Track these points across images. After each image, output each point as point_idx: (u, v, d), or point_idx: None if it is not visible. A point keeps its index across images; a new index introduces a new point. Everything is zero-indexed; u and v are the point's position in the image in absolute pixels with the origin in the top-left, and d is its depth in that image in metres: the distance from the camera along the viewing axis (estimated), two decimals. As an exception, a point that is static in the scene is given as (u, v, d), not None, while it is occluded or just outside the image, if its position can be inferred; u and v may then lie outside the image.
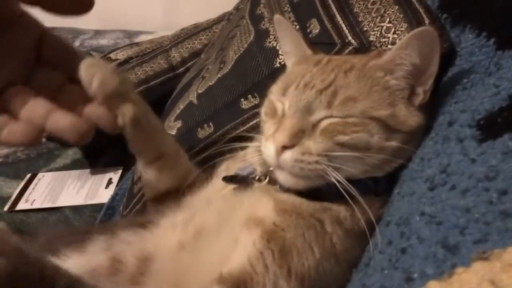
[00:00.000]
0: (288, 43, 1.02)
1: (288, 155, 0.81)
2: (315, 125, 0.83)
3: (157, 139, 1.02)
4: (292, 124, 0.82)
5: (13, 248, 0.57)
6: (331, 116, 0.82)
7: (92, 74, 0.81)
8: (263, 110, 0.97)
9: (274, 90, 0.95)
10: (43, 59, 0.84)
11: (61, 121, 0.77)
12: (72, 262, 0.88)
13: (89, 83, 0.81)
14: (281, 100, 0.89)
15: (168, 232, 0.91)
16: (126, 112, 0.89)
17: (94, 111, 0.82)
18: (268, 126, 0.89)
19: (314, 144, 0.80)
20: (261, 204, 0.87)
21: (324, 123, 0.82)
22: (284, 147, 0.81)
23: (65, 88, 0.84)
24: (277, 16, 1.01)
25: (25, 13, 0.82)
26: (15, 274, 0.54)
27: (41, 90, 0.81)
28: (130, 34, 3.08)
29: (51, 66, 0.84)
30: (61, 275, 0.61)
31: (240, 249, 0.81)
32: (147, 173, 1.08)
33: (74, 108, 0.80)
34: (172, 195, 1.04)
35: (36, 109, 0.78)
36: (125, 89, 0.88)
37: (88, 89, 0.82)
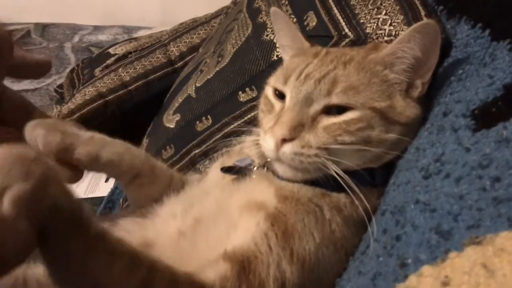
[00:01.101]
0: (284, 36, 1.02)
1: (287, 148, 0.81)
2: (314, 118, 0.83)
3: (124, 164, 0.98)
4: (292, 117, 0.82)
5: (63, 183, 0.58)
6: (330, 104, 0.82)
7: (35, 137, 0.81)
8: (261, 102, 0.97)
9: (273, 81, 0.95)
10: (1, 116, 0.84)
11: None
12: None
13: (36, 147, 0.81)
14: (282, 89, 0.89)
15: (168, 221, 0.92)
16: (80, 157, 0.87)
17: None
18: (266, 119, 0.90)
19: (314, 137, 0.81)
20: (261, 189, 0.87)
21: (326, 122, 0.82)
22: (284, 140, 0.81)
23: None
24: (273, 9, 1.01)
25: None
26: (61, 208, 0.55)
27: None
28: (129, 29, 3.09)
29: (9, 124, 0.84)
30: (95, 223, 0.62)
31: (242, 229, 0.82)
32: (130, 193, 1.08)
33: None
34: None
35: None
36: (69, 141, 0.86)
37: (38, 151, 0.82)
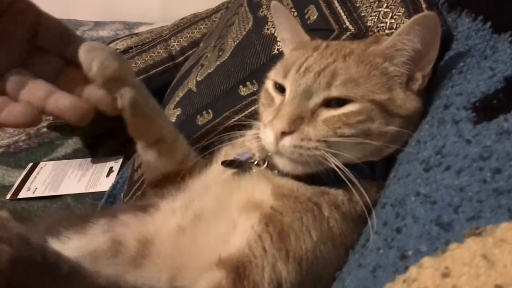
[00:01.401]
0: (285, 30, 1.02)
1: (287, 141, 0.81)
2: (314, 111, 0.83)
3: (155, 124, 1.03)
4: (291, 110, 0.82)
5: (16, 234, 0.57)
6: (329, 97, 0.82)
7: (91, 58, 0.82)
8: (261, 96, 0.97)
9: (273, 74, 0.95)
10: (41, 43, 0.85)
11: (60, 101, 0.78)
12: (73, 244, 0.89)
13: (88, 66, 0.82)
14: (282, 83, 0.89)
15: (168, 217, 0.92)
16: (125, 95, 0.90)
17: (94, 93, 0.83)
18: (266, 112, 0.90)
19: (313, 130, 0.81)
20: (259, 188, 0.88)
21: (326, 114, 0.82)
22: (283, 133, 0.81)
23: (63, 71, 0.84)
24: (274, 3, 1.00)
25: None
26: (19, 260, 0.55)
27: (40, 74, 0.81)
28: (130, 25, 3.08)
29: (49, 50, 0.85)
30: (63, 261, 0.62)
31: (238, 233, 0.82)
32: (146, 155, 1.09)
33: (73, 90, 0.81)
34: (172, 179, 1.05)
35: (35, 91, 0.78)
36: (124, 73, 0.89)
37: (88, 72, 0.82)
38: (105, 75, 0.84)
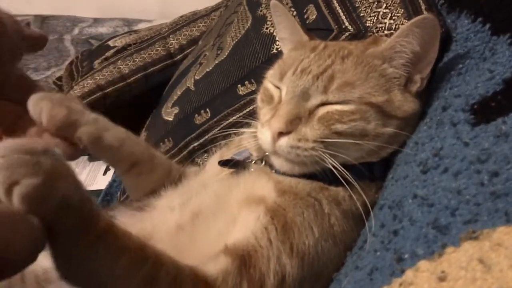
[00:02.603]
0: (284, 29, 1.02)
1: (284, 141, 0.81)
2: (311, 112, 0.83)
3: (124, 150, 1.00)
4: (288, 110, 0.82)
5: (73, 177, 0.58)
6: (327, 102, 0.82)
7: (39, 110, 0.81)
8: (259, 96, 0.97)
9: (270, 76, 0.95)
10: (3, 94, 0.83)
11: None
12: None
13: (39, 119, 0.81)
14: (277, 85, 0.89)
15: (166, 214, 0.92)
16: (82, 136, 0.88)
17: (51, 141, 0.81)
18: (264, 112, 0.90)
19: (310, 130, 0.81)
20: (260, 184, 0.87)
21: (321, 111, 0.82)
22: (280, 134, 0.81)
23: (21, 121, 0.83)
24: (273, 2, 1.00)
25: None
26: (70, 202, 0.55)
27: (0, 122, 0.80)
28: (129, 22, 3.08)
29: (10, 98, 0.83)
30: (103, 218, 0.61)
31: (242, 224, 0.82)
32: (127, 180, 1.08)
33: (33, 138, 0.80)
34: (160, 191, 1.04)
35: None
36: (74, 117, 0.87)
37: (39, 124, 0.81)
38: (56, 124, 0.82)
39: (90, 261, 0.60)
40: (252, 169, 0.93)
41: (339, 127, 0.80)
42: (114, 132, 0.97)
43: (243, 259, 0.76)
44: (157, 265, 0.67)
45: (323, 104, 0.83)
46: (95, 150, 0.93)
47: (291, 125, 0.81)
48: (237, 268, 0.75)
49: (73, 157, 0.86)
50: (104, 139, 0.94)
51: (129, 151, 1.00)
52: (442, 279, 0.49)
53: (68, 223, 0.56)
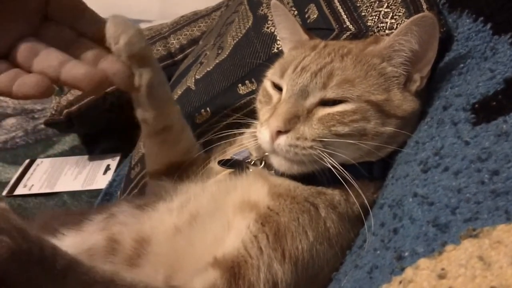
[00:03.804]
0: (284, 29, 1.02)
1: (282, 140, 0.81)
2: (310, 110, 0.83)
3: (166, 110, 1.04)
4: (287, 109, 0.82)
5: (16, 226, 0.57)
6: (325, 98, 0.82)
7: (120, 32, 0.83)
8: (259, 95, 0.97)
9: (270, 74, 0.95)
10: (52, 14, 0.83)
11: (75, 70, 0.76)
12: (69, 240, 0.89)
13: (115, 39, 0.82)
14: (278, 83, 0.89)
15: (164, 216, 0.91)
16: (144, 75, 0.92)
17: (111, 66, 0.81)
18: (263, 111, 0.90)
19: (309, 129, 0.81)
20: (255, 188, 0.87)
21: (322, 113, 0.81)
22: (279, 132, 0.81)
23: (76, 43, 0.83)
24: (273, 2, 1.00)
25: None
26: (17, 252, 0.54)
27: (52, 45, 0.80)
28: (129, 22, 3.07)
29: (60, 22, 0.83)
30: (61, 255, 0.61)
31: (234, 233, 0.82)
32: (150, 143, 1.10)
33: (87, 61, 0.80)
34: (173, 172, 1.05)
35: (48, 60, 0.77)
36: (148, 54, 0.92)
37: (113, 45, 0.82)
38: (132, 51, 0.85)
39: None
40: (250, 171, 0.93)
41: (340, 129, 0.80)
42: (168, 89, 1.05)
43: (233, 272, 0.76)
44: None
45: (322, 103, 0.82)
46: (143, 95, 0.97)
47: (290, 124, 0.81)
48: (226, 282, 0.75)
49: (127, 87, 0.88)
50: (159, 90, 0.99)
51: (169, 112, 1.05)
52: (442, 276, 0.49)
53: (22, 271, 0.56)
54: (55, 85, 0.78)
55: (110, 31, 0.84)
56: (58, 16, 0.83)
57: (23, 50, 0.78)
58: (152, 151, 1.10)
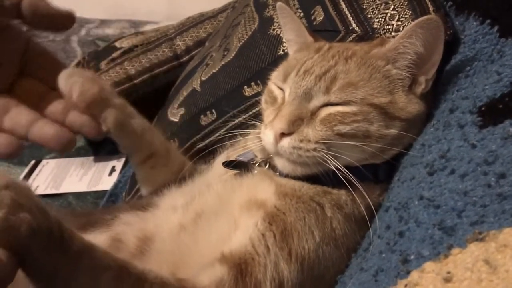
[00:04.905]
0: (289, 31, 1.02)
1: (286, 142, 0.81)
2: (314, 113, 0.83)
3: (144, 140, 1.04)
4: (291, 111, 0.82)
5: (37, 205, 0.57)
6: (329, 102, 0.82)
7: (71, 84, 0.81)
8: (263, 97, 0.97)
9: (274, 77, 0.95)
10: (27, 69, 0.83)
11: (44, 130, 0.76)
12: None
13: (69, 93, 0.81)
14: (281, 87, 0.90)
15: (168, 214, 0.92)
16: (108, 118, 0.91)
17: (77, 119, 0.81)
18: (267, 113, 0.90)
19: (312, 131, 0.81)
20: (262, 187, 0.87)
21: (324, 113, 0.82)
22: (283, 134, 0.81)
23: (47, 97, 0.83)
24: (279, 4, 1.01)
25: (10, 25, 0.80)
26: (38, 230, 0.55)
27: (24, 100, 0.79)
28: (135, 24, 3.08)
29: (35, 76, 0.84)
30: (77, 238, 0.62)
31: (241, 230, 0.82)
32: (141, 171, 1.10)
33: (57, 116, 0.80)
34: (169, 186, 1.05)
35: (18, 118, 0.77)
36: (105, 95, 0.89)
37: (69, 98, 0.82)
38: (86, 99, 0.83)
39: (71, 281, 0.60)
40: (256, 171, 0.93)
41: (342, 128, 0.79)
42: (138, 120, 1.02)
43: (240, 268, 0.76)
44: (140, 280, 0.67)
45: (326, 105, 0.82)
46: (117, 134, 0.97)
47: (293, 126, 0.81)
48: (233, 278, 0.75)
49: (98, 136, 0.86)
50: (129, 125, 0.98)
51: (149, 141, 1.04)
52: (447, 280, 0.48)
53: (40, 248, 0.56)
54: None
55: (62, 85, 0.82)
56: (34, 73, 0.84)
57: None
58: (144, 177, 1.11)
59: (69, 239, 0.60)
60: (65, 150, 0.78)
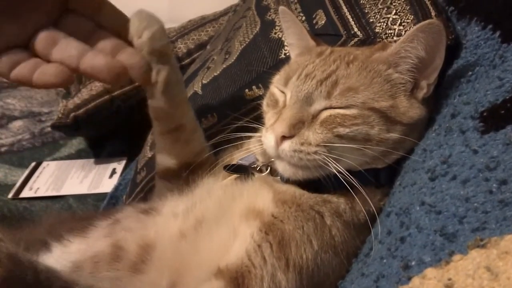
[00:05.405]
0: (291, 35, 1.02)
1: (287, 145, 0.81)
2: (315, 116, 0.82)
3: (180, 109, 1.05)
4: (292, 115, 0.82)
5: (7, 254, 0.57)
6: (330, 107, 0.82)
7: (144, 26, 0.85)
8: (265, 101, 0.97)
9: (276, 81, 0.95)
10: (71, 6, 0.84)
11: (95, 61, 0.77)
12: (74, 247, 0.89)
13: (138, 33, 0.84)
14: (282, 90, 0.90)
15: (169, 221, 0.91)
16: (162, 72, 0.93)
17: (129, 58, 0.82)
18: (269, 116, 0.90)
19: (313, 135, 0.80)
20: (261, 195, 0.87)
21: (324, 115, 0.81)
22: (284, 137, 0.81)
23: (95, 34, 0.83)
24: (281, 8, 1.01)
25: None
26: (10, 279, 0.55)
27: (71, 34, 0.80)
28: (137, 26, 3.08)
29: (80, 14, 0.84)
30: (56, 277, 0.62)
31: (238, 242, 0.82)
32: (161, 142, 1.11)
33: (105, 52, 0.80)
34: (181, 173, 1.06)
35: (68, 49, 0.77)
36: (168, 51, 0.93)
37: (136, 38, 0.83)
38: (153, 46, 0.87)
39: None
40: (255, 178, 0.93)
41: (341, 130, 0.79)
42: (183, 89, 1.07)
43: (237, 282, 0.76)
44: None
45: (327, 109, 0.82)
46: (159, 91, 0.98)
47: (294, 129, 0.81)
48: None
49: (144, 82, 0.91)
50: (174, 89, 1.00)
51: (184, 111, 1.06)
52: (449, 286, 0.48)
53: None
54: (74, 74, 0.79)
55: (134, 25, 0.86)
56: (77, 8, 0.84)
57: (42, 39, 0.78)
58: (164, 147, 1.11)
59: (46, 280, 0.60)
60: (116, 82, 0.78)
